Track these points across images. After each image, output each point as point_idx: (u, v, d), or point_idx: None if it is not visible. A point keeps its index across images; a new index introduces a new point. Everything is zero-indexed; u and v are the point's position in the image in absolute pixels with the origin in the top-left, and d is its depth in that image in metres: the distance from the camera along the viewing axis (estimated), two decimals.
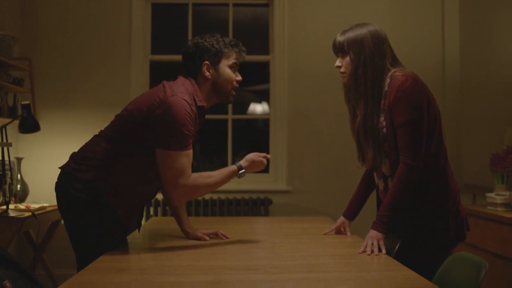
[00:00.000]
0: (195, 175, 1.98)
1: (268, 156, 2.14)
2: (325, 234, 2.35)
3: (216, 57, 2.06)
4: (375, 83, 2.00)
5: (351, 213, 2.32)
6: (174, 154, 1.90)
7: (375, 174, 2.16)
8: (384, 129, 2.00)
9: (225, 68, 2.08)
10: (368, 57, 2.00)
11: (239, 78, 2.14)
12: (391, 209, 1.95)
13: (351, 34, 2.04)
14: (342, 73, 2.09)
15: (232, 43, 2.11)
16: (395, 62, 2.07)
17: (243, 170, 2.08)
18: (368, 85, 2.00)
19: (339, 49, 2.08)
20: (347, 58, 2.05)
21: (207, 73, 2.06)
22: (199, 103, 2.01)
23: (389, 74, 2.01)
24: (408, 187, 1.94)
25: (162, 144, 1.91)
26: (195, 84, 2.05)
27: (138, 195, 2.06)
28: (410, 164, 1.92)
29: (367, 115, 2.02)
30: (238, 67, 2.14)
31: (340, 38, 2.07)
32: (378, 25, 2.08)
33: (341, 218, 2.35)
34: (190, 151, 1.97)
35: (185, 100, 1.92)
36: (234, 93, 2.15)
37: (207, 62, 2.06)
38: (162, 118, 1.89)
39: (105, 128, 2.07)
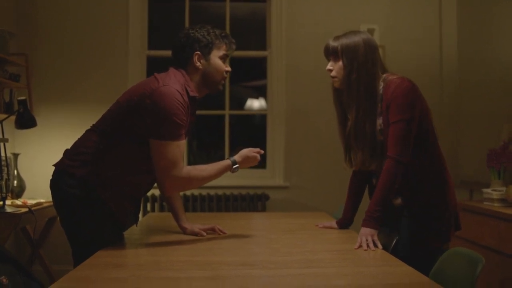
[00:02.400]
0: (189, 167, 1.98)
1: (261, 151, 2.16)
2: (317, 225, 2.45)
3: (207, 48, 2.07)
4: (367, 88, 2.06)
5: (344, 222, 2.40)
6: (166, 144, 1.90)
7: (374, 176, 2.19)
8: (381, 131, 2.05)
9: (216, 58, 2.09)
10: (361, 64, 2.06)
11: (229, 68, 2.15)
12: (381, 204, 1.98)
13: (345, 40, 2.09)
14: (333, 77, 2.14)
15: (222, 34, 2.13)
16: (384, 69, 2.14)
17: (236, 165, 2.08)
18: (360, 91, 2.05)
19: (332, 53, 2.12)
20: (340, 63, 2.10)
21: (198, 63, 2.07)
22: (191, 93, 2.02)
23: (382, 79, 2.08)
24: (396, 181, 1.98)
25: (154, 134, 1.91)
26: (186, 74, 2.06)
27: (129, 187, 2.05)
28: (399, 160, 1.97)
29: (358, 119, 2.07)
30: (228, 58, 2.16)
31: (334, 43, 2.12)
32: (370, 34, 2.15)
33: (334, 223, 2.42)
34: (183, 142, 1.97)
35: (176, 89, 1.92)
36: (223, 82, 2.16)
37: (198, 52, 2.06)
38: (153, 107, 1.89)
39: (96, 122, 2.07)
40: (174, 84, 1.94)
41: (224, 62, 2.13)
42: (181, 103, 1.92)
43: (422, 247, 2.03)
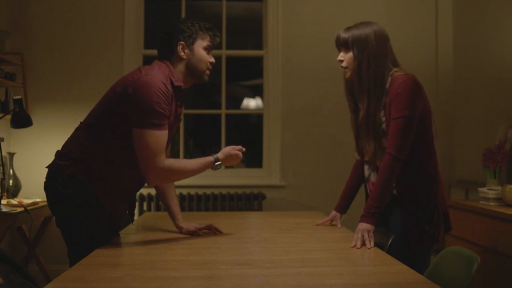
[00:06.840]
0: (171, 159, 1.99)
1: (243, 149, 2.17)
2: (317, 225, 2.46)
3: (191, 38, 2.09)
4: (377, 79, 2.07)
5: (343, 207, 2.44)
6: (148, 133, 1.89)
7: (366, 167, 2.21)
8: (384, 125, 2.07)
9: (200, 49, 2.11)
10: (371, 55, 2.07)
11: (212, 60, 2.17)
12: (378, 200, 2.00)
13: (355, 32, 2.10)
14: (344, 67, 2.15)
15: (206, 26, 2.15)
16: (395, 62, 2.15)
17: (219, 162, 2.09)
18: (371, 81, 2.07)
19: (343, 44, 2.14)
20: (350, 54, 2.11)
21: (182, 53, 2.08)
22: (176, 83, 2.02)
23: (390, 73, 2.09)
24: (393, 178, 2.00)
25: (136, 123, 1.90)
26: (170, 65, 2.07)
27: (120, 182, 2.04)
28: (395, 156, 1.98)
29: (370, 110, 2.08)
30: (212, 50, 2.18)
31: (344, 34, 2.13)
32: (381, 25, 2.15)
33: (333, 212, 2.46)
34: (165, 132, 1.96)
35: (159, 79, 1.93)
36: (208, 72, 2.17)
37: (182, 42, 2.08)
38: (134, 96, 1.90)
39: (84, 119, 2.08)
40: (157, 74, 1.95)
41: (208, 53, 2.15)
42: (164, 92, 1.92)
43: (412, 246, 2.04)
